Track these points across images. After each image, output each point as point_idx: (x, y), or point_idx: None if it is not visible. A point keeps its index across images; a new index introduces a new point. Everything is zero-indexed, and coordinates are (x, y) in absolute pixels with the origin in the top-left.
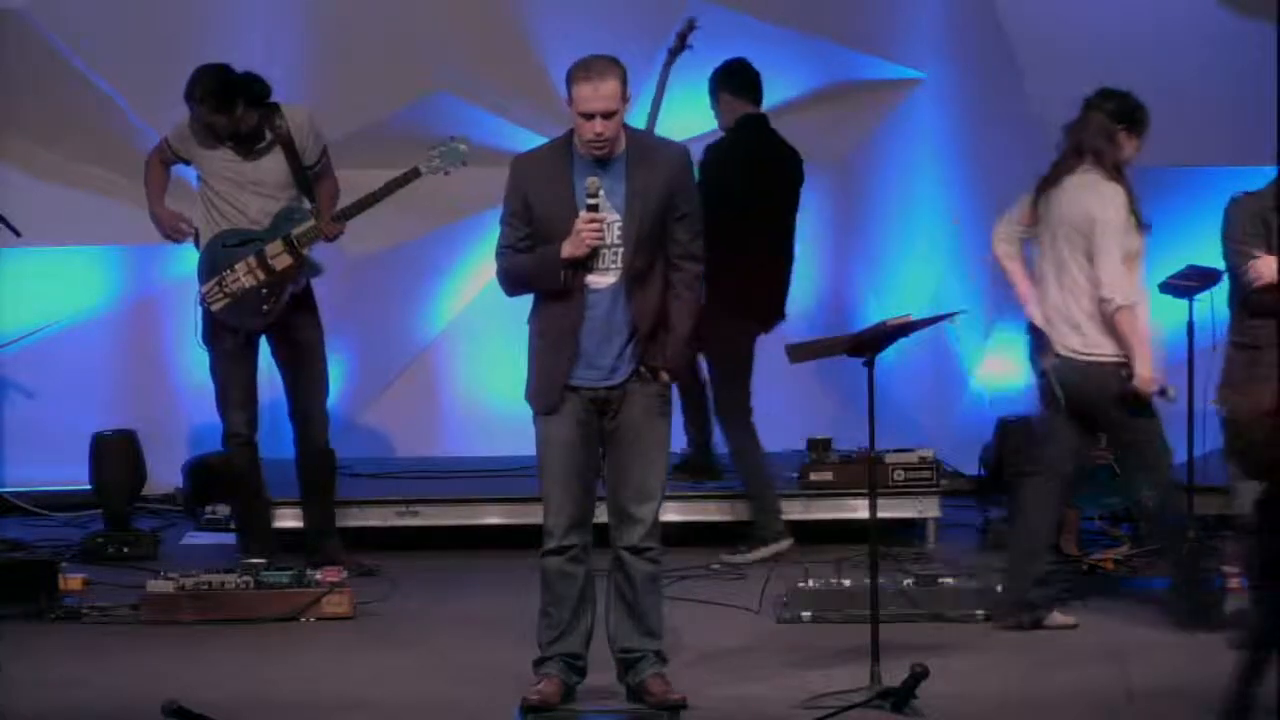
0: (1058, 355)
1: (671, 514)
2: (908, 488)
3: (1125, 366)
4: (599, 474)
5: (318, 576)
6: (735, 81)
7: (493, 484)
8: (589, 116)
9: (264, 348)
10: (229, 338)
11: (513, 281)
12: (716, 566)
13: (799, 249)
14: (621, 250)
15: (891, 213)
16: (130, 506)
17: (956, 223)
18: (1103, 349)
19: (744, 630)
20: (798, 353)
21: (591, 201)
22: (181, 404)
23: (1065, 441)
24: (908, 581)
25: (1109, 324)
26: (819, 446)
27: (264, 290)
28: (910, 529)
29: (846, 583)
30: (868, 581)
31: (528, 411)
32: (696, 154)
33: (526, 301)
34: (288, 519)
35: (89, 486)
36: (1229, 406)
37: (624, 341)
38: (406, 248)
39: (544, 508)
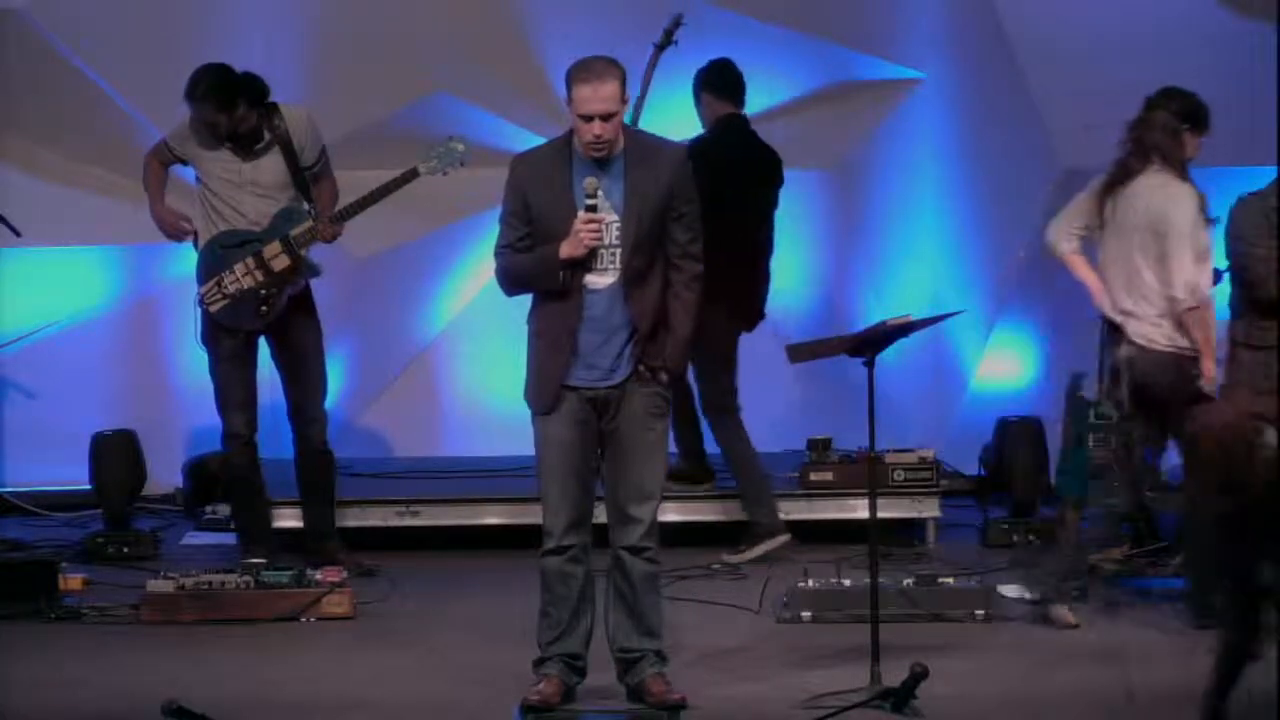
0: (1132, 343)
1: (670, 514)
2: (908, 488)
3: (1195, 362)
4: (598, 474)
5: (318, 576)
6: (717, 82)
7: (493, 484)
8: (588, 118)
9: (264, 348)
10: (228, 339)
11: (511, 281)
12: (717, 567)
13: (799, 249)
14: (620, 250)
15: (891, 213)
16: (130, 506)
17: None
18: (1182, 341)
19: (744, 630)
20: (798, 353)
21: (590, 202)
22: (181, 404)
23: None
24: (908, 581)
25: (1178, 322)
26: (819, 446)
27: (262, 291)
28: (910, 529)
29: (846, 583)
30: (868, 581)
31: (527, 411)
32: None
33: (526, 301)
34: (288, 519)
35: (89, 486)
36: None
37: (623, 342)
38: (406, 248)
39: (543, 508)
